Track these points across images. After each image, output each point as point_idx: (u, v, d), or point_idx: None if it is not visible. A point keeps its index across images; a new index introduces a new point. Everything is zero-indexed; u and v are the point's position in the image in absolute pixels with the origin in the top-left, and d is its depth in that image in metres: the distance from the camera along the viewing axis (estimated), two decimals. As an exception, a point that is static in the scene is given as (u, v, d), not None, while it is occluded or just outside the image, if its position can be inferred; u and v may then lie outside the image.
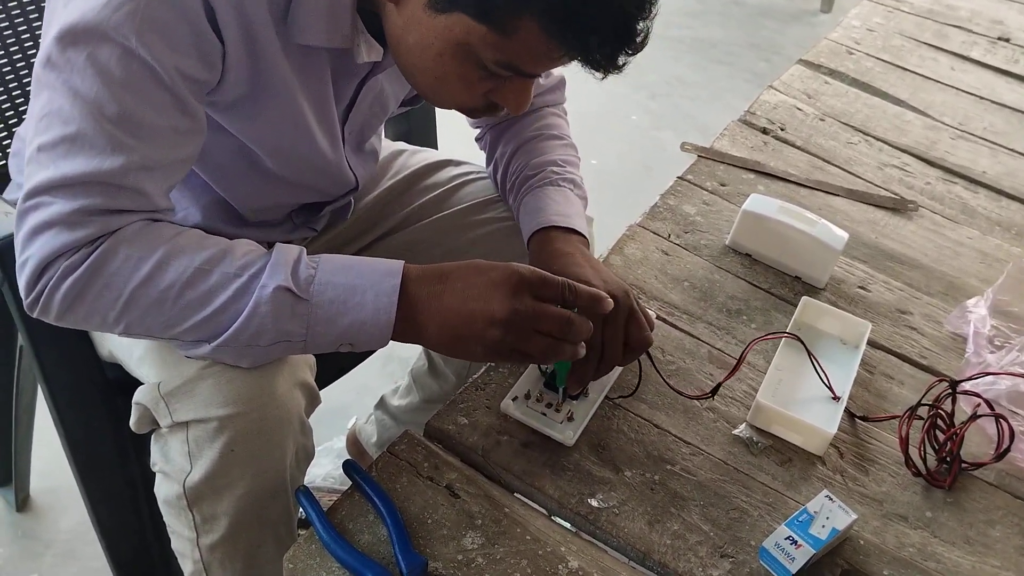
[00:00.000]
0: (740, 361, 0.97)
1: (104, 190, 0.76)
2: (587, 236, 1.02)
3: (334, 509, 0.82)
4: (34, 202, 0.76)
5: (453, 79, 0.81)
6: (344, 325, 0.80)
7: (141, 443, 1.08)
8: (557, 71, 1.17)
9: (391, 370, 1.87)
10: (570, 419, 0.91)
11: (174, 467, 0.88)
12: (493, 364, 0.97)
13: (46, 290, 0.77)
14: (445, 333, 0.82)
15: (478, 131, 1.19)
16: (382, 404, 1.49)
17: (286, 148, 0.93)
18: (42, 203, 0.76)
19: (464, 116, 1.17)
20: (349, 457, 1.51)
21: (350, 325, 0.80)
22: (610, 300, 0.85)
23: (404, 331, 0.82)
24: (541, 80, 1.14)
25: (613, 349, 0.89)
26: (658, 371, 0.97)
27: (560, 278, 0.83)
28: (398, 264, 0.82)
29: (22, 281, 0.78)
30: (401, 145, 1.28)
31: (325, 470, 1.54)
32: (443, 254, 1.15)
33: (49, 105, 0.76)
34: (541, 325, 0.81)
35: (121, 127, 0.75)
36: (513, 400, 0.92)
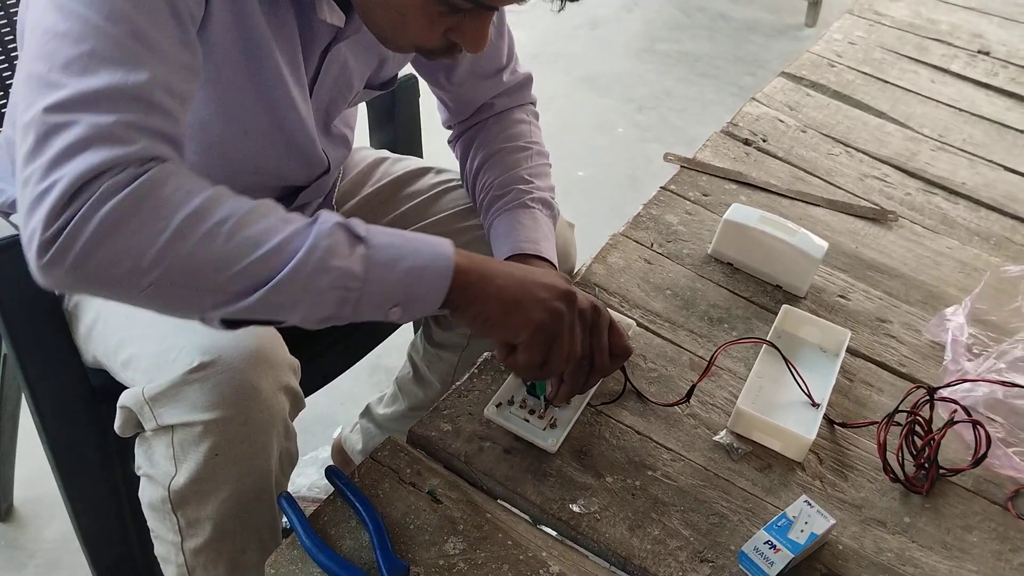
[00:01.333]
0: (711, 363, 0.98)
1: (137, 105, 0.68)
2: (554, 261, 1.03)
3: (316, 515, 0.83)
4: (56, 121, 0.66)
5: (414, 14, 0.80)
6: (404, 269, 0.75)
7: (125, 451, 1.09)
8: (523, 70, 1.17)
9: (377, 380, 1.87)
10: (553, 426, 0.92)
11: (159, 471, 0.88)
12: (476, 371, 0.98)
13: (77, 215, 0.65)
14: (508, 292, 0.79)
15: (450, 132, 1.21)
16: (367, 413, 1.49)
17: (265, 107, 0.91)
18: (69, 122, 0.66)
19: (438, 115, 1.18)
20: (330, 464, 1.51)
21: (409, 270, 0.75)
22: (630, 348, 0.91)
23: (464, 287, 0.78)
24: (504, 77, 1.14)
25: (602, 357, 0.90)
26: (632, 384, 0.98)
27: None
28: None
29: (42, 211, 0.65)
30: (383, 153, 1.28)
31: (311, 480, 1.54)
32: None
33: (53, 30, 0.68)
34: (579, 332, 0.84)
35: (137, 42, 0.69)
36: (496, 406, 0.92)
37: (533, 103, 1.21)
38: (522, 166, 1.10)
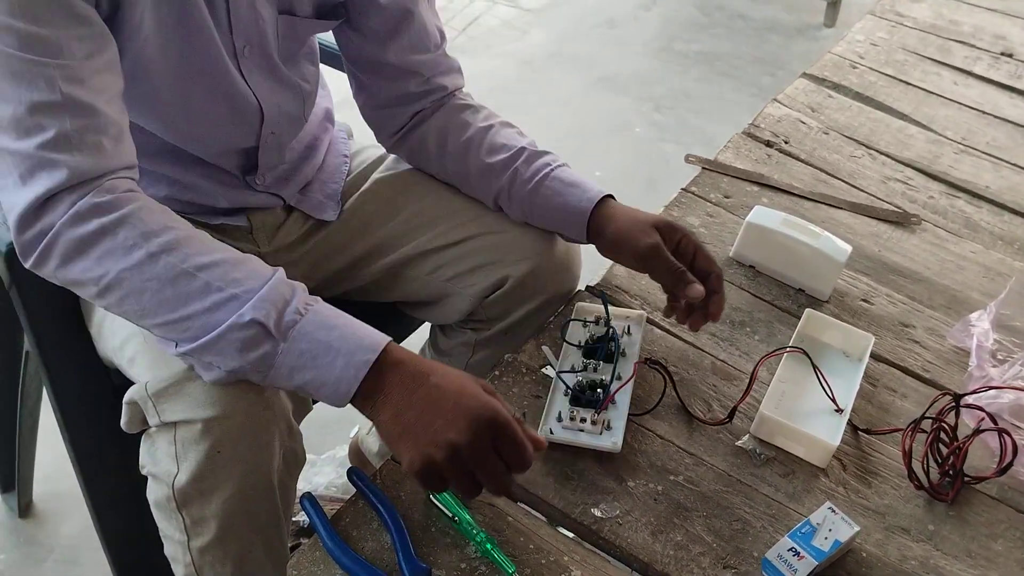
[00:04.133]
0: (752, 380, 0.97)
1: (50, 117, 0.77)
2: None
3: (338, 516, 0.83)
4: None
5: None
6: (304, 379, 0.79)
7: (146, 449, 1.09)
8: (454, 57, 1.14)
9: (394, 379, 1.87)
10: (608, 428, 0.92)
11: (161, 469, 0.88)
12: (497, 374, 0.98)
13: (51, 232, 0.78)
14: (396, 425, 0.79)
15: (390, 139, 1.17)
16: (380, 416, 1.48)
17: (161, 61, 0.92)
18: (2, 148, 0.78)
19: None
20: (352, 466, 1.51)
21: (310, 381, 0.79)
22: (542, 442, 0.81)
23: (362, 405, 0.80)
24: (437, 56, 1.11)
25: (493, 482, 0.79)
26: (679, 397, 0.97)
27: (521, 436, 0.77)
28: (381, 341, 0.80)
29: (11, 232, 0.80)
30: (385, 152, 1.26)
31: (328, 478, 1.54)
32: (432, 269, 1.14)
33: None
34: (478, 471, 0.77)
35: (29, 51, 0.77)
36: (552, 426, 0.92)
37: (463, 86, 1.17)
38: (524, 139, 1.11)
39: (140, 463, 0.92)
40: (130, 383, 0.97)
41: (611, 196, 1.06)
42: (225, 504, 0.89)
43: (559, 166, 1.08)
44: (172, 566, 0.97)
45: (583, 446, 0.91)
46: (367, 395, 0.79)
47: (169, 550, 0.95)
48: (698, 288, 0.96)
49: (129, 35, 0.87)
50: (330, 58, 1.21)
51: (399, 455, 0.79)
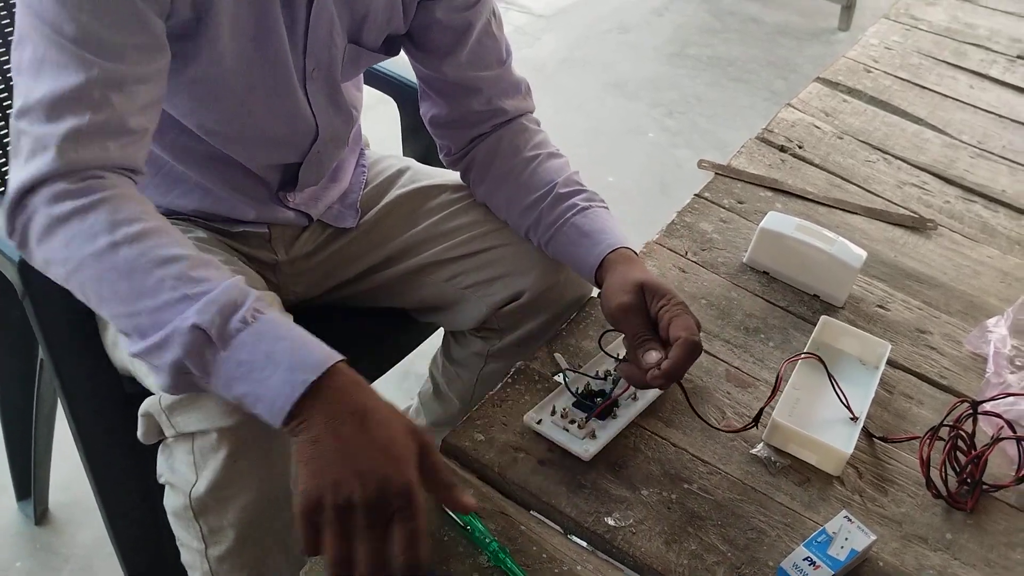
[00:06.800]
0: (778, 384, 0.95)
1: (75, 109, 0.78)
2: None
3: (350, 525, 0.82)
4: (15, 128, 0.80)
5: None
6: (241, 391, 0.74)
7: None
8: (519, 74, 1.13)
9: (408, 386, 1.86)
10: (592, 437, 0.91)
11: (180, 478, 0.88)
12: (510, 380, 0.97)
13: (20, 226, 0.80)
14: (308, 449, 0.71)
15: (449, 157, 1.15)
16: (392, 425, 1.48)
17: (233, 71, 0.92)
18: (20, 131, 0.79)
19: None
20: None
21: (247, 394, 0.74)
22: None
23: (295, 427, 0.73)
24: (502, 72, 1.10)
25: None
26: (693, 408, 0.95)
27: (423, 526, 0.70)
28: (326, 361, 0.74)
29: (7, 197, 0.80)
30: (407, 162, 1.25)
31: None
32: (450, 276, 1.14)
33: (20, 29, 0.79)
34: (360, 541, 0.70)
35: (84, 43, 0.77)
36: (537, 415, 0.91)
37: (533, 110, 1.16)
38: (569, 170, 1.09)
39: (158, 472, 0.92)
40: (145, 391, 0.97)
41: (625, 248, 1.00)
42: (243, 512, 0.89)
43: (579, 211, 1.03)
44: (189, 574, 0.97)
45: (557, 444, 0.90)
46: (299, 417, 0.72)
47: (187, 558, 0.96)
48: (652, 356, 0.87)
49: (207, 46, 0.88)
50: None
51: (299, 479, 0.71)
